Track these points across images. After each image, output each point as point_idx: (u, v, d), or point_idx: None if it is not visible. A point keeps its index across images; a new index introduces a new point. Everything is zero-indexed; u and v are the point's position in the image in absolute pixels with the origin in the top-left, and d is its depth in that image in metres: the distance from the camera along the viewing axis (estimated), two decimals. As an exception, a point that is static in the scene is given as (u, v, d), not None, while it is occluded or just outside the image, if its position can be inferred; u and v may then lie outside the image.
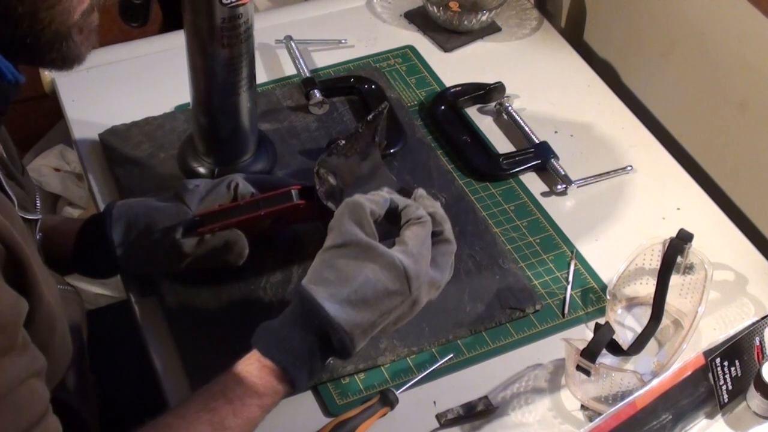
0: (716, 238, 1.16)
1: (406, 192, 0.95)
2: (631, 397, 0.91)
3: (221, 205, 1.02)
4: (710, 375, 0.95)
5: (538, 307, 1.07)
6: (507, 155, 1.24)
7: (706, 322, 1.06)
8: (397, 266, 0.85)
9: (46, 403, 0.76)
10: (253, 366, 0.85)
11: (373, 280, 0.84)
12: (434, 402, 0.99)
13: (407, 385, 0.99)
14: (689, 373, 0.94)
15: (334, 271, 0.85)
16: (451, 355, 1.02)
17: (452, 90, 1.33)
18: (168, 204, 1.03)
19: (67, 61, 0.82)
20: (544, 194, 1.21)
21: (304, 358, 0.85)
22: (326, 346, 0.85)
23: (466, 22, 1.42)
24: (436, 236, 0.90)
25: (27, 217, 0.85)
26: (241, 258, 1.02)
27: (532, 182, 1.23)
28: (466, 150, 1.25)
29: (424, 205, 0.91)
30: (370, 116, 1.00)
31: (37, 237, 0.90)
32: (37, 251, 0.85)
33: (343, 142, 0.99)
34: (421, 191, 0.93)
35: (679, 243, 1.04)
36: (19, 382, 0.72)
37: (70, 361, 0.89)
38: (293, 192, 1.01)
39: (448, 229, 0.91)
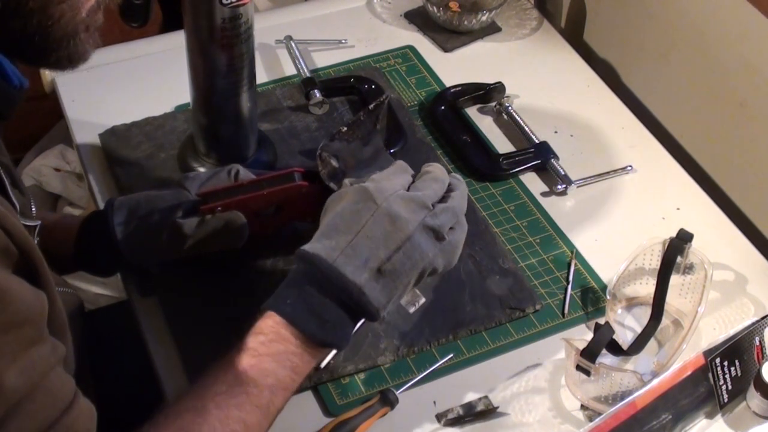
0: (716, 238, 1.16)
1: None
2: (631, 397, 0.91)
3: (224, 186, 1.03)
4: (710, 375, 0.95)
5: (538, 307, 1.07)
6: (507, 155, 1.24)
7: (706, 322, 1.06)
8: (357, 188, 0.88)
9: (74, 387, 0.76)
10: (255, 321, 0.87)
11: (340, 210, 0.87)
12: (434, 402, 0.99)
13: (407, 385, 0.99)
14: (689, 373, 0.94)
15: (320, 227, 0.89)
16: (451, 355, 1.02)
17: (452, 90, 1.33)
18: (169, 191, 1.04)
19: (73, 59, 0.82)
20: (544, 194, 1.21)
21: (293, 295, 0.86)
22: (316, 283, 0.85)
23: (466, 22, 1.42)
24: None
25: (27, 224, 0.85)
26: (241, 239, 1.02)
27: (532, 182, 1.23)
28: (466, 150, 1.25)
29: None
30: (372, 105, 1.03)
31: (35, 241, 0.90)
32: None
33: (345, 128, 1.01)
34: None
35: (679, 243, 1.04)
36: (49, 368, 0.73)
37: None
38: (296, 174, 1.02)
39: (435, 170, 0.92)
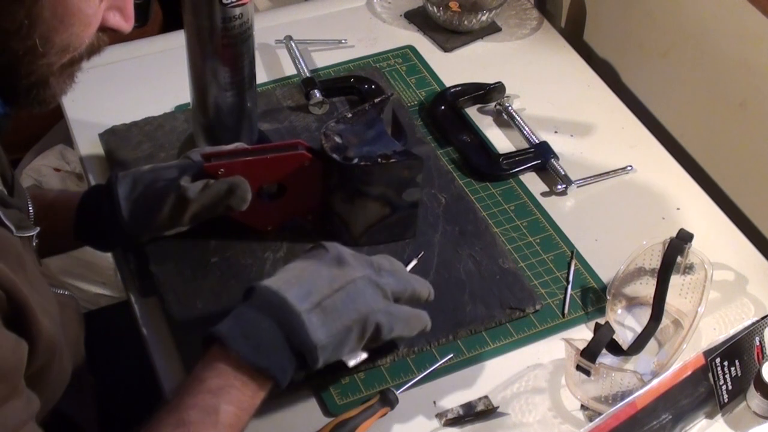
0: (716, 238, 1.16)
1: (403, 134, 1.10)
2: (631, 397, 0.91)
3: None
4: (710, 375, 0.95)
5: (538, 307, 1.07)
6: (507, 155, 1.24)
7: (706, 322, 1.06)
8: (314, 246, 0.93)
9: None
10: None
11: (297, 259, 0.92)
12: (434, 402, 0.99)
13: (407, 385, 0.99)
14: (689, 373, 0.94)
15: None
16: (451, 355, 1.02)
17: (452, 90, 1.33)
18: (174, 162, 1.06)
19: (43, 104, 0.81)
20: (544, 194, 1.21)
21: (233, 321, 0.86)
22: (256, 307, 0.86)
23: (466, 22, 1.42)
24: None
25: (25, 234, 0.84)
26: (244, 202, 1.02)
27: (532, 182, 1.23)
28: (466, 150, 1.25)
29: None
30: (377, 99, 1.06)
31: (34, 244, 0.90)
32: (33, 264, 0.84)
33: (350, 115, 1.04)
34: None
35: (679, 243, 1.04)
36: (22, 424, 0.73)
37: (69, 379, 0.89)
38: (300, 146, 1.04)
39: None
